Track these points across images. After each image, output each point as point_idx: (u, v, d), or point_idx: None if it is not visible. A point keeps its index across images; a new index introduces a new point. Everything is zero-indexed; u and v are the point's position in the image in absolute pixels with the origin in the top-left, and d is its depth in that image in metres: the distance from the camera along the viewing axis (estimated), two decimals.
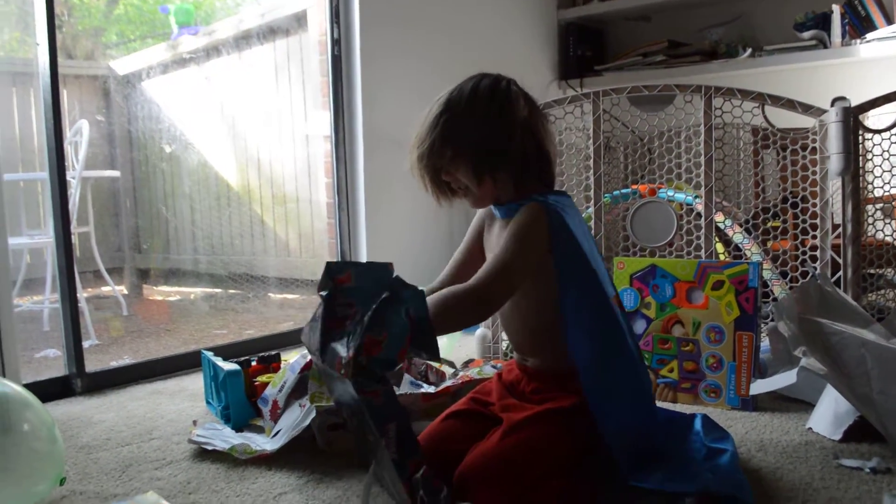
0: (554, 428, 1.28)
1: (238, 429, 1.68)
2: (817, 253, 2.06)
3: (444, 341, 2.21)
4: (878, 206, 2.11)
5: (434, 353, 1.16)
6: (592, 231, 2.25)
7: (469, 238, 1.50)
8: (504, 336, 2.28)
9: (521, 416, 1.29)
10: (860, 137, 2.03)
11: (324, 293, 1.19)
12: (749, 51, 3.19)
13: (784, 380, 1.74)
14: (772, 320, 2.00)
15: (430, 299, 1.22)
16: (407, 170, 1.38)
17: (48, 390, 2.00)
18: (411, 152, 1.35)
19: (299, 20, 3.31)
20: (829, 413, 1.59)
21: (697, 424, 1.45)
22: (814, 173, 2.06)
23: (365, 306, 1.15)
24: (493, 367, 1.84)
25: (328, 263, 1.21)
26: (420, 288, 1.19)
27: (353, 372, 1.09)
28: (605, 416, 1.27)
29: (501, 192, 1.35)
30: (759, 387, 1.76)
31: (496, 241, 1.38)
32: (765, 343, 1.88)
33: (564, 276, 1.28)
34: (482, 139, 1.30)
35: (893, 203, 2.10)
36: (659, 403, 1.79)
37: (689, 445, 1.39)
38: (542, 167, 1.35)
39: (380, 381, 1.12)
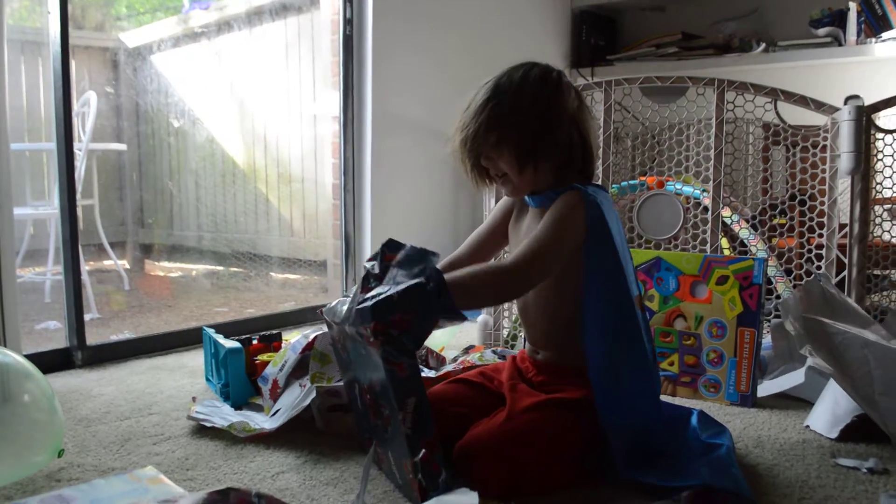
0: (560, 416, 1.29)
1: (237, 407, 1.68)
2: (823, 252, 2.05)
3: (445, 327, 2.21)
4: (887, 206, 2.09)
5: (460, 317, 1.18)
6: None
7: (493, 219, 1.50)
8: (505, 324, 2.28)
9: (529, 402, 1.30)
10: (872, 137, 2.02)
11: (368, 265, 1.23)
12: (763, 46, 3.17)
13: (791, 380, 1.74)
14: (775, 317, 2.00)
15: (466, 272, 1.23)
16: (450, 153, 1.38)
17: (49, 362, 2.00)
18: (455, 136, 1.34)
19: None
20: (828, 412, 1.59)
21: (694, 420, 1.45)
22: (823, 171, 2.05)
23: (393, 281, 1.16)
24: (494, 352, 1.84)
25: (388, 240, 1.25)
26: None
27: (384, 340, 1.09)
28: (609, 411, 1.28)
29: (540, 182, 1.34)
30: (767, 388, 1.76)
31: (525, 230, 1.38)
32: (766, 340, 1.88)
33: (591, 269, 1.28)
34: (529, 127, 1.29)
35: None
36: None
37: (686, 442, 1.39)
38: (585, 161, 1.35)
39: (407, 353, 1.12)
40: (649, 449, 1.33)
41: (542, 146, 1.30)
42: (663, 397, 1.69)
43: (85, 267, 2.77)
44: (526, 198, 1.41)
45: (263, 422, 1.56)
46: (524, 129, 1.29)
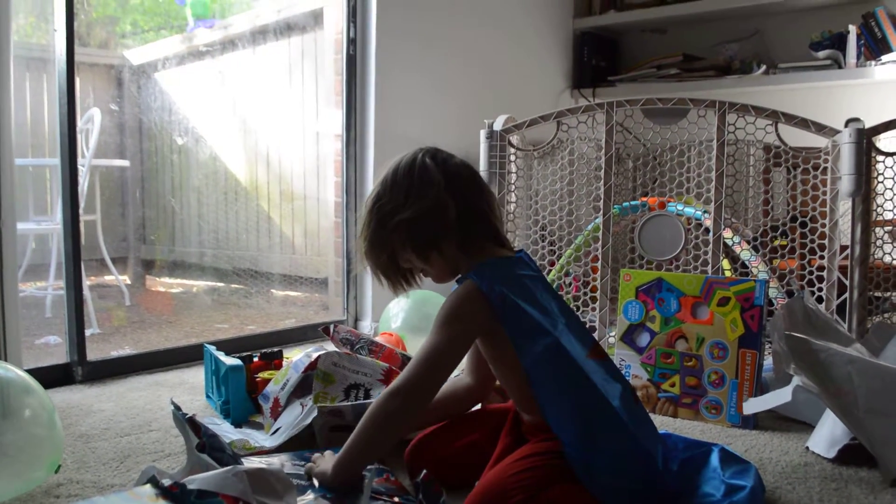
0: (541, 451, 1.25)
1: (237, 424, 1.68)
2: (824, 273, 2.05)
3: None
4: (887, 228, 2.10)
5: None
6: (600, 242, 2.25)
7: None
8: None
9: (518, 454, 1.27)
10: (872, 159, 2.03)
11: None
12: (763, 68, 3.19)
13: (778, 398, 1.72)
14: None
15: (363, 425, 1.25)
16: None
17: (49, 377, 2.00)
18: (357, 251, 1.37)
19: (316, 18, 3.32)
20: (827, 433, 1.58)
21: (714, 460, 1.36)
22: (824, 193, 2.06)
23: None
24: None
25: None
26: None
27: None
28: (592, 475, 1.21)
29: (456, 262, 1.34)
30: (752, 405, 1.73)
31: None
32: (768, 362, 1.88)
33: (522, 353, 1.25)
34: (412, 222, 1.30)
35: None
36: (659, 418, 1.80)
37: (704, 486, 1.32)
38: (482, 225, 1.34)
39: None
40: (655, 496, 1.26)
41: (429, 232, 1.31)
42: (674, 429, 1.65)
43: (86, 282, 2.77)
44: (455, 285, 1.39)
45: (264, 440, 1.56)
46: (407, 223, 1.31)
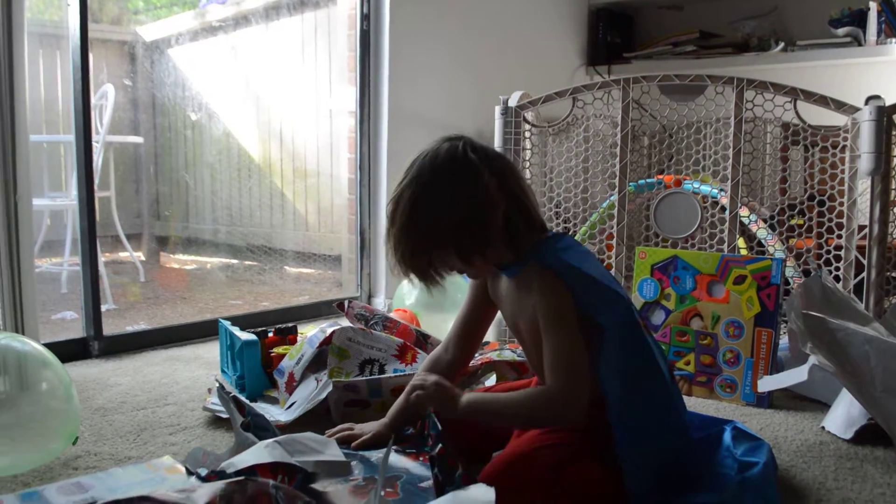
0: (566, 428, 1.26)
1: (252, 399, 1.69)
2: (841, 253, 2.03)
3: None
4: None
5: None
6: (615, 219, 2.24)
7: (472, 294, 1.44)
8: None
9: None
10: (892, 138, 2.00)
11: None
12: (781, 45, 3.15)
13: (793, 377, 1.70)
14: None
15: (511, 401, 1.26)
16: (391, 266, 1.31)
17: (65, 351, 2.01)
18: (390, 254, 1.28)
19: None
20: (844, 413, 1.57)
21: (727, 437, 1.36)
22: (842, 172, 2.03)
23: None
24: (512, 351, 1.83)
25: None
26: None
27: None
28: (631, 448, 1.21)
29: (499, 259, 1.29)
30: (767, 383, 1.72)
31: (506, 296, 1.33)
32: (784, 340, 1.87)
33: (600, 317, 1.22)
34: (459, 226, 1.23)
35: None
36: None
37: (719, 464, 1.31)
38: (526, 219, 1.28)
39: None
40: (678, 475, 1.26)
41: (479, 236, 1.24)
42: (688, 407, 1.62)
43: (101, 258, 2.78)
44: (497, 271, 1.35)
45: (279, 414, 1.56)
46: (455, 229, 1.23)
